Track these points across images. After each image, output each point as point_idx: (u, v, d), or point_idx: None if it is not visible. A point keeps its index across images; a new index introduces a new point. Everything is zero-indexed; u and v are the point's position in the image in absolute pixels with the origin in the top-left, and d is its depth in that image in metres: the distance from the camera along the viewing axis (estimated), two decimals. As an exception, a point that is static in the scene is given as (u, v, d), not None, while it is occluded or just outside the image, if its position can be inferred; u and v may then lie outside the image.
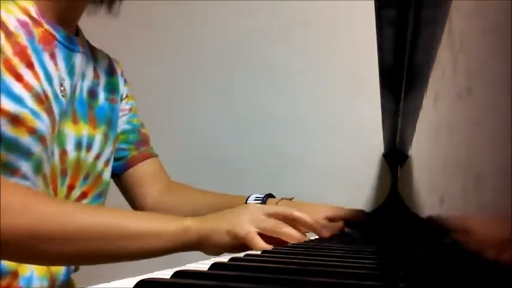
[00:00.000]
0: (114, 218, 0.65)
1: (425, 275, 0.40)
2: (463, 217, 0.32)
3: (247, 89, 1.55)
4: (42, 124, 0.72)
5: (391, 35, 0.62)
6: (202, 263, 0.44)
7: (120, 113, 0.95)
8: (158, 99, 1.62)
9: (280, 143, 1.52)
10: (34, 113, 0.71)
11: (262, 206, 0.76)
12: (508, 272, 0.21)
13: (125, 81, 0.98)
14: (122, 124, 0.95)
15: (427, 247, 0.53)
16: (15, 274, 0.72)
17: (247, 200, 0.91)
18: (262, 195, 0.92)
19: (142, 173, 0.96)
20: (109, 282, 0.34)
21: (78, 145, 0.82)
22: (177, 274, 0.35)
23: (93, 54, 0.89)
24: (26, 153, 0.70)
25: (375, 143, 1.20)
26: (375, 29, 0.62)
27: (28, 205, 0.59)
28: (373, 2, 0.57)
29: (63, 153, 0.79)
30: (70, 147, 0.80)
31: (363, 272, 0.38)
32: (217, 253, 0.69)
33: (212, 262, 0.41)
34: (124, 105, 0.96)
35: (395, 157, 1.01)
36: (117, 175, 0.96)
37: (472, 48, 0.31)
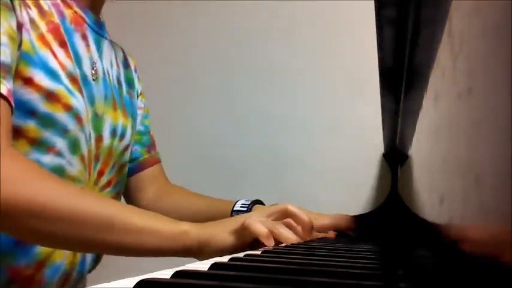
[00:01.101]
0: (119, 209, 0.65)
1: (425, 275, 0.40)
2: (463, 217, 0.32)
3: (247, 89, 1.55)
4: (78, 102, 0.72)
5: (391, 35, 0.62)
6: (202, 263, 0.44)
7: (138, 111, 0.94)
8: (158, 99, 1.62)
9: (280, 143, 1.52)
10: (69, 90, 0.70)
11: (257, 212, 0.76)
12: (508, 272, 0.21)
13: (138, 77, 0.97)
14: (138, 124, 0.95)
15: (427, 247, 0.53)
16: (40, 265, 0.71)
17: (234, 205, 0.89)
18: (249, 202, 0.90)
19: (147, 177, 0.96)
20: (109, 282, 0.34)
21: (113, 133, 0.81)
22: (177, 274, 0.35)
23: (111, 43, 0.89)
24: (61, 130, 0.70)
25: (375, 143, 1.20)
26: (375, 29, 0.62)
27: (32, 179, 0.58)
28: (373, 2, 0.57)
29: (99, 138, 0.78)
30: (106, 133, 0.80)
31: (363, 272, 0.38)
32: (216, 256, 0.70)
33: (212, 262, 0.41)
34: (140, 103, 0.96)
35: (395, 157, 1.01)
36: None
37: (472, 48, 0.31)
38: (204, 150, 1.57)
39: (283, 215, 0.72)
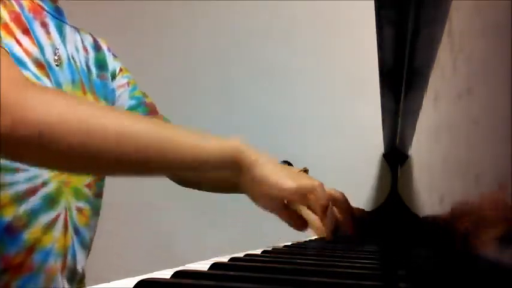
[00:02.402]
0: (169, 130, 0.62)
1: (425, 275, 0.40)
2: (463, 217, 0.32)
3: (247, 89, 1.55)
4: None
5: (391, 35, 0.62)
6: (202, 263, 0.44)
7: (120, 89, 0.93)
8: (157, 99, 1.62)
9: (280, 143, 1.52)
10: (36, 76, 0.71)
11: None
12: (508, 272, 0.21)
13: (114, 55, 0.96)
14: (126, 100, 0.93)
15: (427, 247, 0.53)
16: (30, 250, 0.71)
17: None
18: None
19: None
20: (109, 282, 0.34)
21: None
22: (177, 274, 0.35)
23: (76, 29, 0.89)
24: None
25: (375, 143, 1.20)
26: (375, 29, 0.62)
27: (65, 102, 0.56)
28: (373, 2, 0.57)
29: None
30: None
31: (363, 272, 0.38)
32: (253, 193, 0.66)
33: (212, 262, 0.41)
34: (120, 80, 0.94)
35: (395, 157, 1.01)
36: None
37: (472, 48, 0.31)
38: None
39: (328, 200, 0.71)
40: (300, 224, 0.68)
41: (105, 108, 0.64)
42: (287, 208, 0.67)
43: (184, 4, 1.61)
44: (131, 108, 0.94)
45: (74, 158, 0.56)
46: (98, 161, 0.57)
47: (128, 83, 0.95)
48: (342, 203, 0.75)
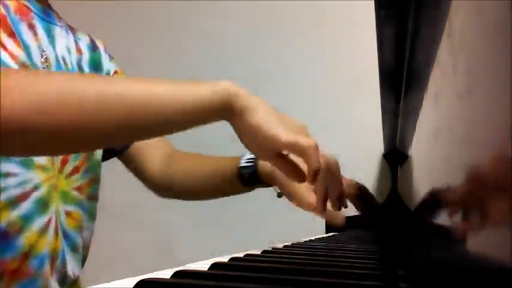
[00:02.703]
0: (150, 85, 0.57)
1: (425, 275, 0.40)
2: (462, 217, 0.32)
3: (247, 88, 1.55)
4: None
5: (391, 35, 0.62)
6: (202, 263, 0.44)
7: None
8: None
9: (280, 143, 1.52)
10: None
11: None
12: (508, 272, 0.21)
13: (110, 56, 0.95)
14: None
15: (427, 247, 0.53)
16: (25, 256, 0.71)
17: (240, 161, 0.85)
18: (254, 156, 0.85)
19: (148, 146, 0.92)
20: (109, 282, 0.34)
21: None
22: (177, 274, 0.35)
23: (72, 30, 0.88)
24: None
25: (375, 143, 1.20)
26: (375, 29, 0.62)
27: (34, 75, 0.54)
28: (373, 2, 0.57)
29: None
30: None
31: (363, 272, 0.38)
32: (248, 135, 0.59)
33: (212, 262, 0.41)
34: None
35: (395, 157, 1.01)
36: (121, 152, 0.92)
37: (472, 48, 0.31)
38: (204, 150, 1.57)
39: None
40: (295, 175, 0.61)
41: (80, 77, 0.61)
42: (283, 157, 0.61)
43: (184, 4, 1.61)
44: None
45: (59, 137, 0.53)
46: (86, 133, 0.54)
47: None
48: (334, 171, 0.69)
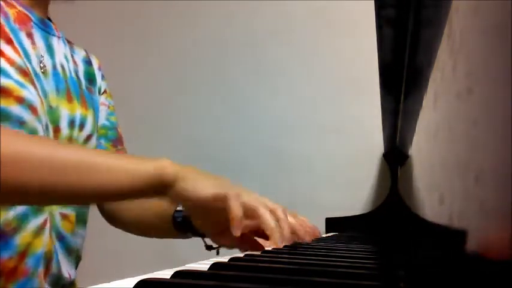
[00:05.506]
0: (84, 152, 0.63)
1: (425, 275, 0.40)
2: (462, 217, 0.32)
3: (247, 89, 1.55)
4: (30, 94, 0.72)
5: (391, 35, 0.62)
6: (202, 263, 0.45)
7: (101, 107, 0.94)
8: (157, 99, 1.62)
9: (280, 143, 1.52)
10: (20, 83, 0.72)
11: (248, 192, 0.68)
12: (508, 272, 0.21)
13: (103, 76, 0.97)
14: (102, 119, 0.94)
15: (427, 247, 0.53)
16: (22, 255, 0.72)
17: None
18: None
19: None
20: (109, 282, 0.34)
21: (71, 123, 0.82)
22: (177, 274, 0.35)
23: (69, 43, 0.90)
24: (17, 122, 0.71)
25: (375, 143, 1.20)
26: (375, 29, 0.62)
27: (3, 134, 0.56)
28: (373, 2, 0.57)
29: (57, 130, 0.79)
30: (64, 124, 0.80)
31: (363, 272, 0.38)
32: (186, 206, 0.66)
33: (212, 262, 0.41)
34: (103, 100, 0.96)
35: (395, 157, 1.01)
36: None
37: (472, 48, 0.31)
38: (204, 150, 1.57)
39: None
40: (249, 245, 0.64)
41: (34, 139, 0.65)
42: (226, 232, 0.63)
43: (184, 4, 1.61)
44: (104, 128, 0.94)
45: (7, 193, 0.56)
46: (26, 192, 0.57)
47: (109, 107, 0.96)
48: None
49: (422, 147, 0.62)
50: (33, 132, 0.72)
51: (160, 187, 0.62)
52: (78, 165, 0.59)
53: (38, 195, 0.60)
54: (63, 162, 0.58)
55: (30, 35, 0.78)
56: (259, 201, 0.64)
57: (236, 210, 0.60)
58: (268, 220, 0.60)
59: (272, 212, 0.63)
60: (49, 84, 0.79)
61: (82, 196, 0.62)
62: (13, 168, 0.55)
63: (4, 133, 0.56)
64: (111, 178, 0.60)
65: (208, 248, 0.79)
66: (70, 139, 0.81)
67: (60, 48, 0.84)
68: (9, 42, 0.73)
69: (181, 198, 0.63)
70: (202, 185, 0.63)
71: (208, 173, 0.66)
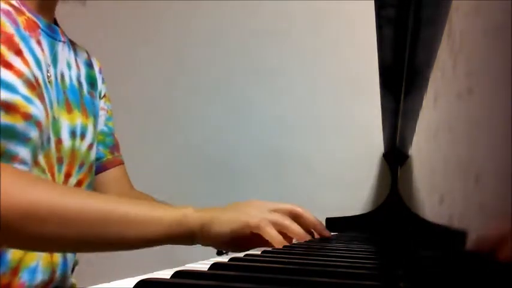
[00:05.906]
0: (114, 203, 0.66)
1: (425, 275, 0.40)
2: (462, 217, 0.32)
3: (247, 89, 1.55)
4: (37, 109, 0.72)
5: (391, 35, 0.62)
6: (202, 263, 0.45)
7: (101, 112, 0.94)
8: (158, 100, 1.62)
9: (280, 143, 1.52)
10: (27, 98, 0.71)
11: (265, 201, 0.76)
12: (508, 272, 0.21)
13: (103, 79, 0.97)
14: (101, 124, 0.95)
15: (427, 247, 0.53)
16: (15, 270, 0.72)
17: None
18: None
19: (110, 178, 0.95)
20: (109, 282, 0.34)
21: (73, 134, 0.82)
22: (177, 274, 0.35)
23: (72, 45, 0.89)
24: (23, 139, 0.70)
25: (375, 143, 1.20)
26: (375, 29, 0.62)
27: (24, 186, 0.59)
28: (373, 2, 0.57)
29: (59, 141, 0.79)
30: (65, 135, 0.80)
31: (363, 272, 0.38)
32: (217, 246, 0.70)
33: (212, 262, 0.41)
34: (103, 105, 0.96)
35: (395, 157, 1.01)
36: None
37: (472, 48, 0.31)
38: (204, 151, 1.57)
39: (289, 215, 0.71)
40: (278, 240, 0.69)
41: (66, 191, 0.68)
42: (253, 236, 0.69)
43: (184, 3, 1.61)
44: (102, 133, 0.95)
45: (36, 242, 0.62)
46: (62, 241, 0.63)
47: (107, 111, 0.97)
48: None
49: (422, 147, 0.62)
50: (35, 148, 0.72)
51: (185, 239, 0.69)
52: (108, 217, 0.64)
53: (71, 246, 0.67)
54: (94, 215, 0.63)
55: (39, 42, 0.77)
56: (281, 212, 0.71)
57: (275, 237, 0.66)
58: (296, 230, 0.68)
59: (296, 218, 0.72)
60: (54, 95, 0.80)
61: (104, 246, 0.69)
62: (48, 221, 0.60)
63: (38, 183, 0.61)
64: (139, 230, 0.66)
65: (220, 253, 0.81)
66: (73, 149, 0.82)
67: (64, 54, 0.84)
68: (18, 53, 0.72)
69: (208, 242, 0.70)
70: (223, 226, 0.68)
71: (229, 208, 0.72)
